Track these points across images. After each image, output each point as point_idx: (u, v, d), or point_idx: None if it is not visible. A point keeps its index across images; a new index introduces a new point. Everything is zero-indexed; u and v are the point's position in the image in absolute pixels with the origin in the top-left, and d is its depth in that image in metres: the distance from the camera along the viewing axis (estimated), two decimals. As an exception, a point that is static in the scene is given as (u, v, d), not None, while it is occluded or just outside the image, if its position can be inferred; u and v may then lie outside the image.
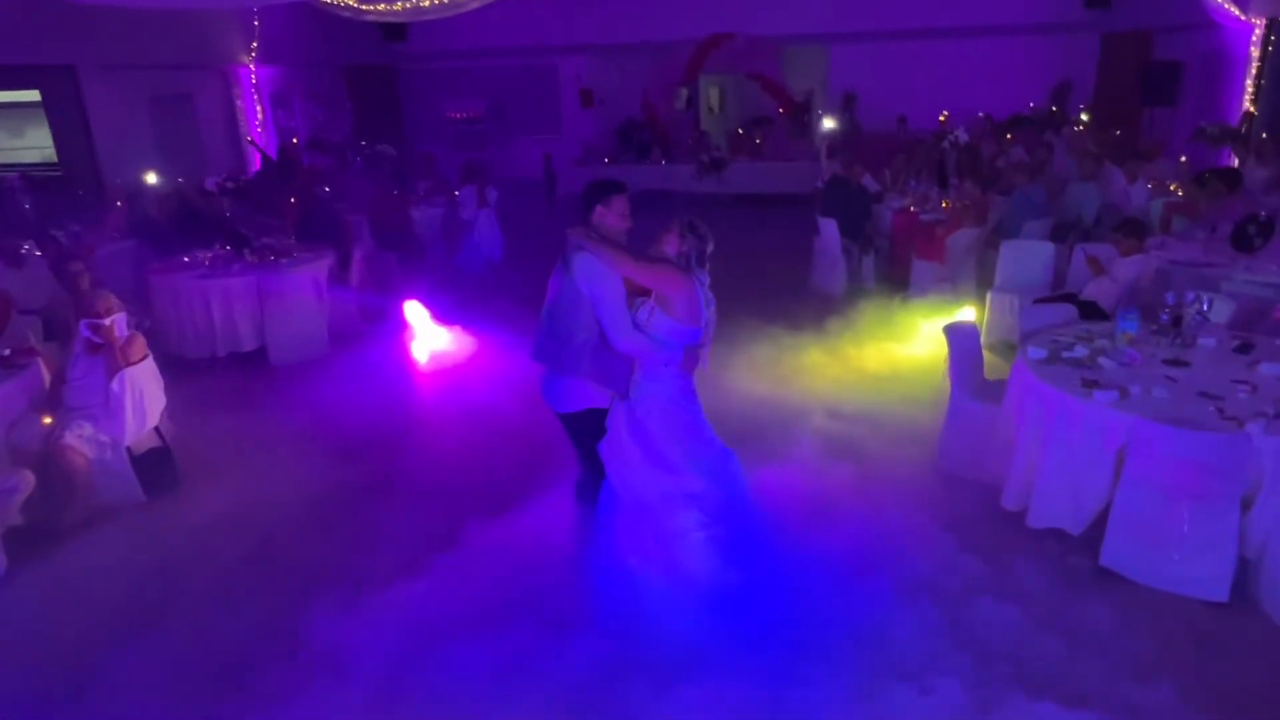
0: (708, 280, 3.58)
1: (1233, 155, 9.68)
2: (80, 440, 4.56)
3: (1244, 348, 4.27)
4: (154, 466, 4.85)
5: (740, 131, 15.18)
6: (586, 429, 3.73)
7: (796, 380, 6.22)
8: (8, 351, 5.07)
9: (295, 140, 13.46)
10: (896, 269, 8.43)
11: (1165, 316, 4.38)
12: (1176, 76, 11.85)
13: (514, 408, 5.80)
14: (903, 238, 8.40)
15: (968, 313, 6.91)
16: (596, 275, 3.49)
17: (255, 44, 12.96)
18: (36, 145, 13.34)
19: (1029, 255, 6.76)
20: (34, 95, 10.79)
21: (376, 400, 6.19)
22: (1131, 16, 13.24)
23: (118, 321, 4.66)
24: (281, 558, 4.25)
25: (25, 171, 9.91)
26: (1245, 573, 3.62)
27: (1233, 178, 7.06)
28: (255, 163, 12.90)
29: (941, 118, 12.83)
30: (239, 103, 13.08)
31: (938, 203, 8.63)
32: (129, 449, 4.74)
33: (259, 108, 13.49)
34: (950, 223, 7.83)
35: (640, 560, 3.59)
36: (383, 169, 11.37)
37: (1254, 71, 10.08)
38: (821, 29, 15.13)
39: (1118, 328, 4.37)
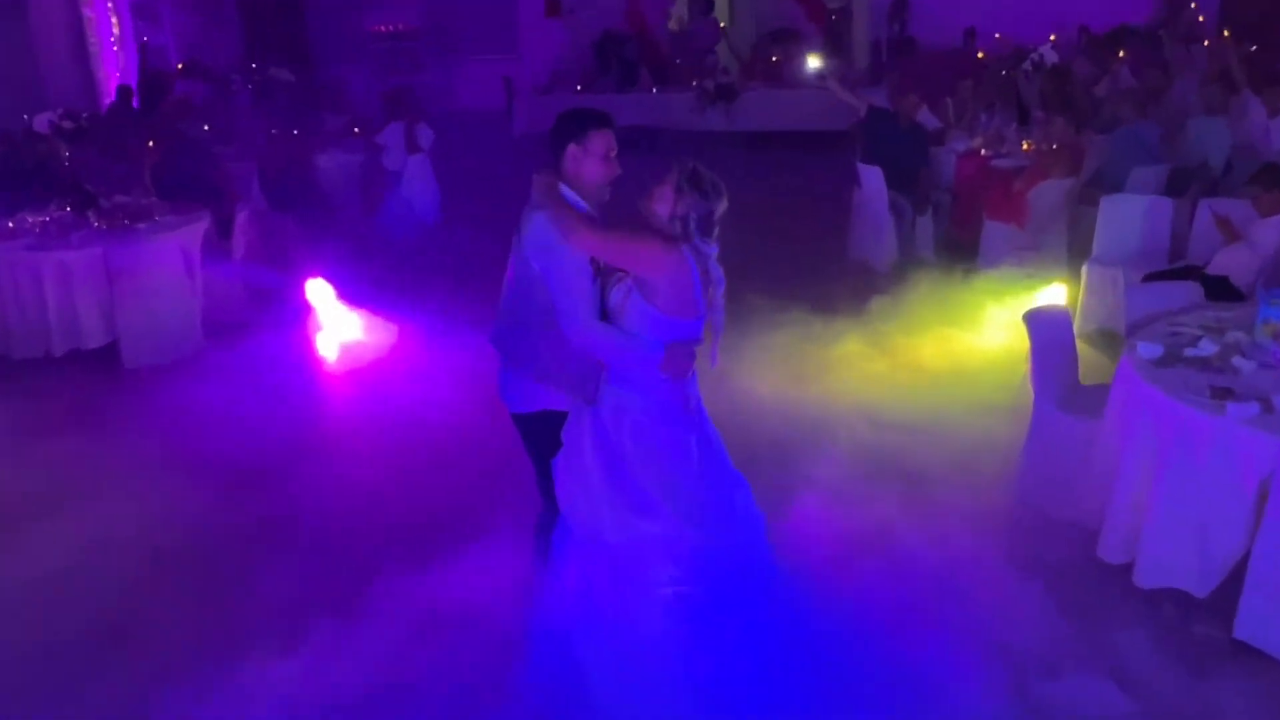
0: (715, 251, 3.49)
1: None
2: None
3: None
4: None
5: (756, 49, 15.20)
6: (543, 438, 3.72)
7: (828, 380, 6.28)
8: None
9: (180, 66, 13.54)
10: (962, 233, 8.45)
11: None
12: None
13: (452, 419, 5.81)
14: (970, 191, 8.41)
15: (1056, 292, 6.91)
16: (548, 245, 3.42)
17: (108, -67, 12.87)
18: None
19: (1137, 215, 6.79)
20: None
21: (266, 412, 6.19)
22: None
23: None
24: (129, 625, 4.24)
25: None
26: None
27: None
28: (110, 92, 12.82)
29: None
30: (87, 12, 13.01)
31: (1016, 144, 8.66)
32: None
33: (114, 19, 13.43)
34: (1033, 171, 7.84)
35: (591, 629, 3.54)
36: (278, 102, 11.46)
37: None
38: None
39: (1258, 315, 4.32)
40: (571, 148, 3.53)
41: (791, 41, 14.95)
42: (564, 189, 3.52)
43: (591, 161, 3.53)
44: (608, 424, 3.51)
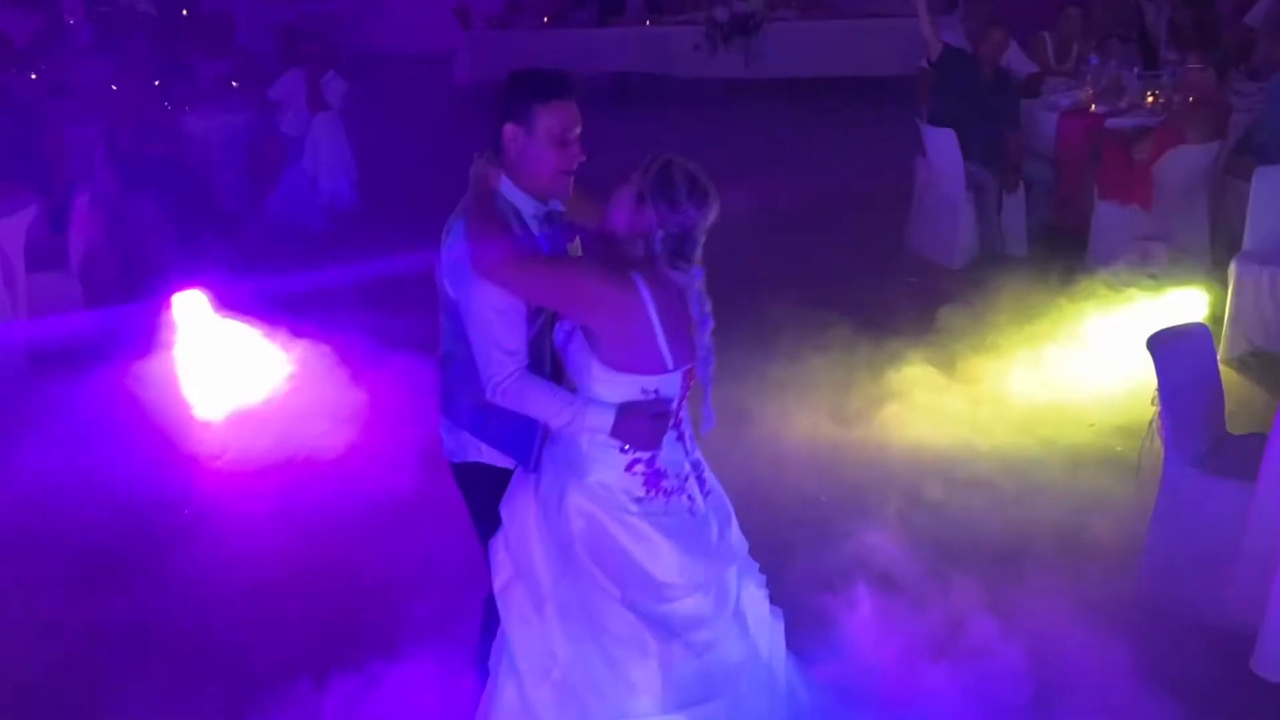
0: (698, 280, 3.51)
1: None
2: None
3: None
4: None
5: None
6: (478, 499, 3.84)
7: (882, 422, 6.40)
8: None
9: None
10: (1065, 218, 8.65)
11: None
12: None
13: (377, 481, 5.89)
14: (1077, 162, 8.58)
15: (1194, 300, 7.07)
16: (460, 267, 3.46)
17: None
18: None
19: None
20: None
21: (117, 475, 6.20)
22: None
23: None
24: None
25: None
26: None
27: None
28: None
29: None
30: None
31: (1140, 96, 8.80)
32: None
33: None
34: (1162, 134, 7.98)
35: None
36: (134, 42, 11.46)
37: None
38: None
39: None
40: (510, 128, 3.52)
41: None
42: (505, 183, 3.54)
43: (537, 147, 3.52)
44: (551, 505, 3.56)
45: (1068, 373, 6.79)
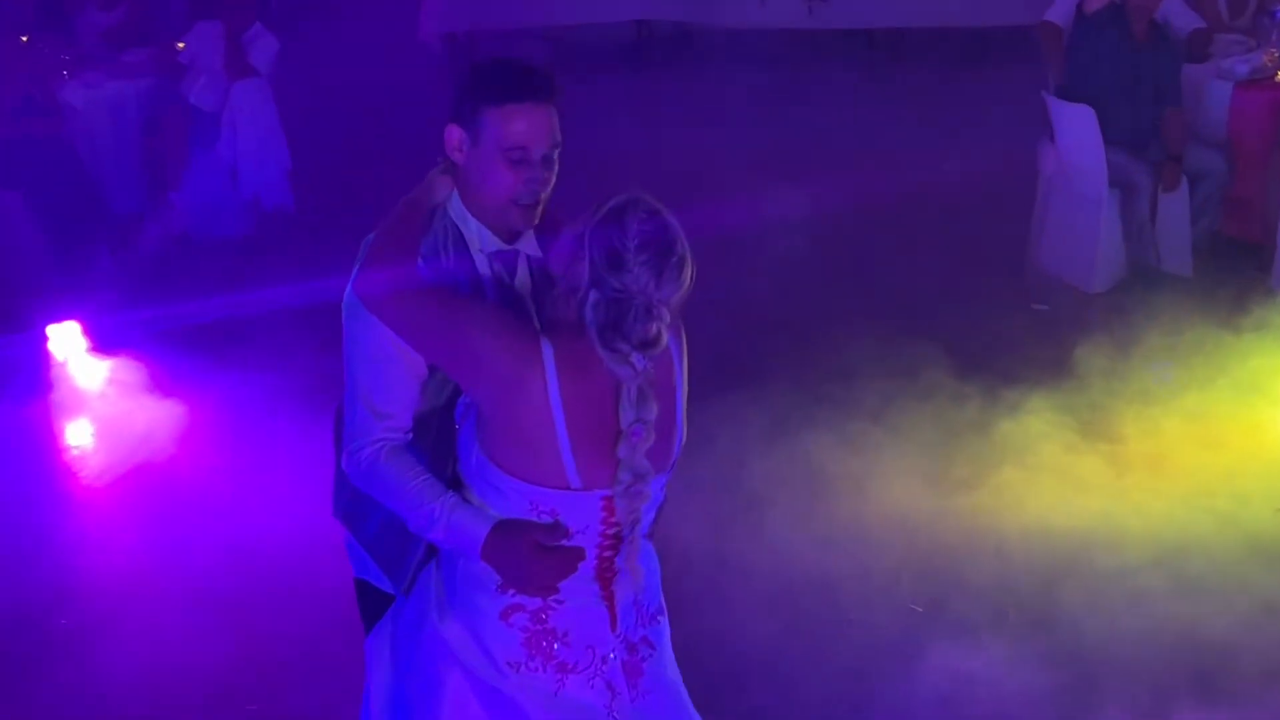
0: (641, 375, 3.36)
1: None
2: None
3: None
4: None
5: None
6: (365, 621, 4.05)
7: (998, 491, 6.59)
8: None
9: None
10: (1243, 221, 8.87)
11: None
12: None
13: (299, 564, 6.17)
14: (1258, 148, 8.82)
15: None
16: (349, 296, 3.57)
17: None
18: None
19: None
20: None
21: None
22: None
23: None
24: None
25: None
26: None
27: None
28: None
29: None
30: None
31: None
32: None
33: None
34: None
35: None
36: None
37: None
38: None
39: None
40: (454, 131, 3.59)
41: None
42: (454, 201, 3.63)
43: (484, 162, 3.55)
44: (403, 649, 3.72)
45: (1246, 431, 6.92)
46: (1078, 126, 8.78)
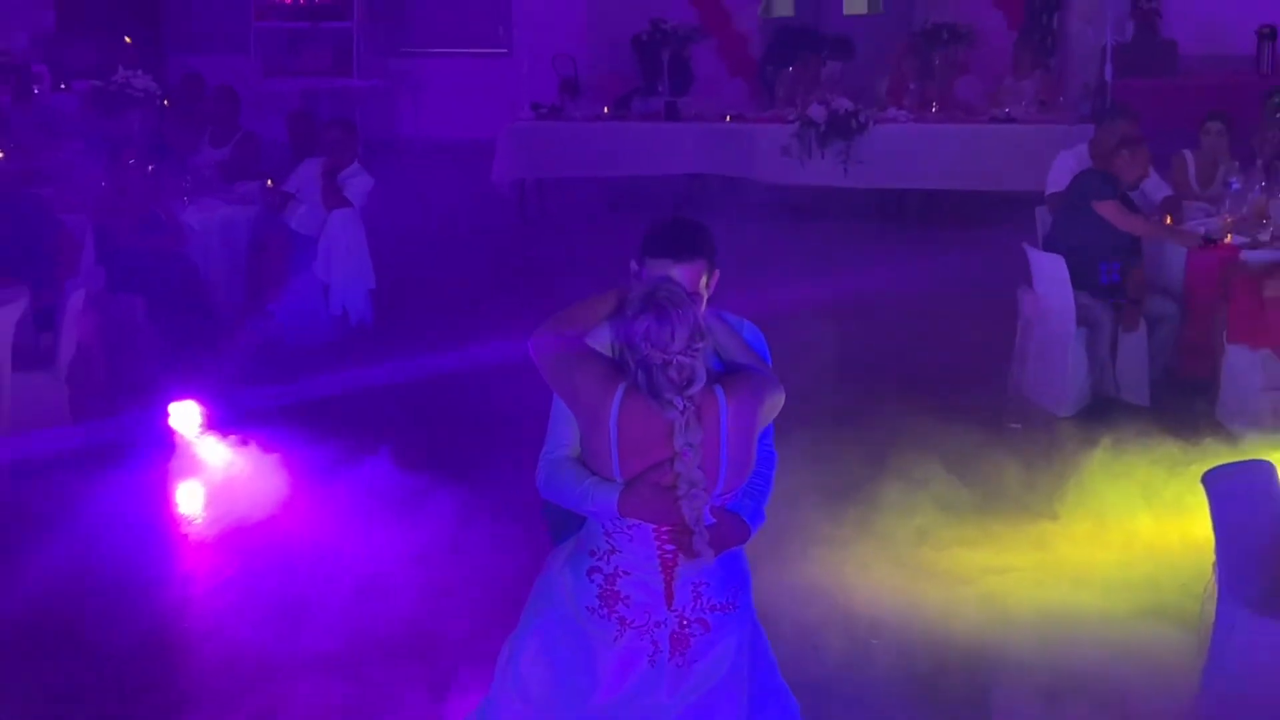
0: (683, 408, 4.24)
1: None
2: None
3: None
4: None
5: (905, 55, 16.75)
6: None
7: (965, 587, 7.32)
8: None
9: None
10: (1194, 362, 9.51)
11: None
12: None
13: (387, 626, 6.86)
14: (1208, 298, 9.47)
15: None
16: None
17: None
18: None
19: None
20: None
21: (102, 595, 7.24)
22: None
23: None
24: None
25: None
26: None
27: None
28: None
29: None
30: None
31: None
32: None
33: None
34: None
35: None
36: (128, 122, 12.72)
37: None
38: None
39: None
40: (633, 264, 4.56)
41: (963, 42, 16.60)
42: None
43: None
44: (540, 590, 4.66)
45: (1174, 537, 7.63)
46: (1051, 274, 9.50)
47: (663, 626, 4.41)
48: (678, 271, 4.37)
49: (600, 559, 4.41)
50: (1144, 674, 6.42)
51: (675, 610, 4.39)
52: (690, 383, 4.17)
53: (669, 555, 4.37)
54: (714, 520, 4.35)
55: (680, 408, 4.17)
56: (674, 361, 4.15)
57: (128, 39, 15.91)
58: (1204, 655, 6.12)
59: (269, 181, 12.21)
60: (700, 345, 4.24)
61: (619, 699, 4.44)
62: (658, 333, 4.14)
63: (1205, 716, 5.97)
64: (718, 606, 4.44)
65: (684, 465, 4.17)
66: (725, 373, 4.51)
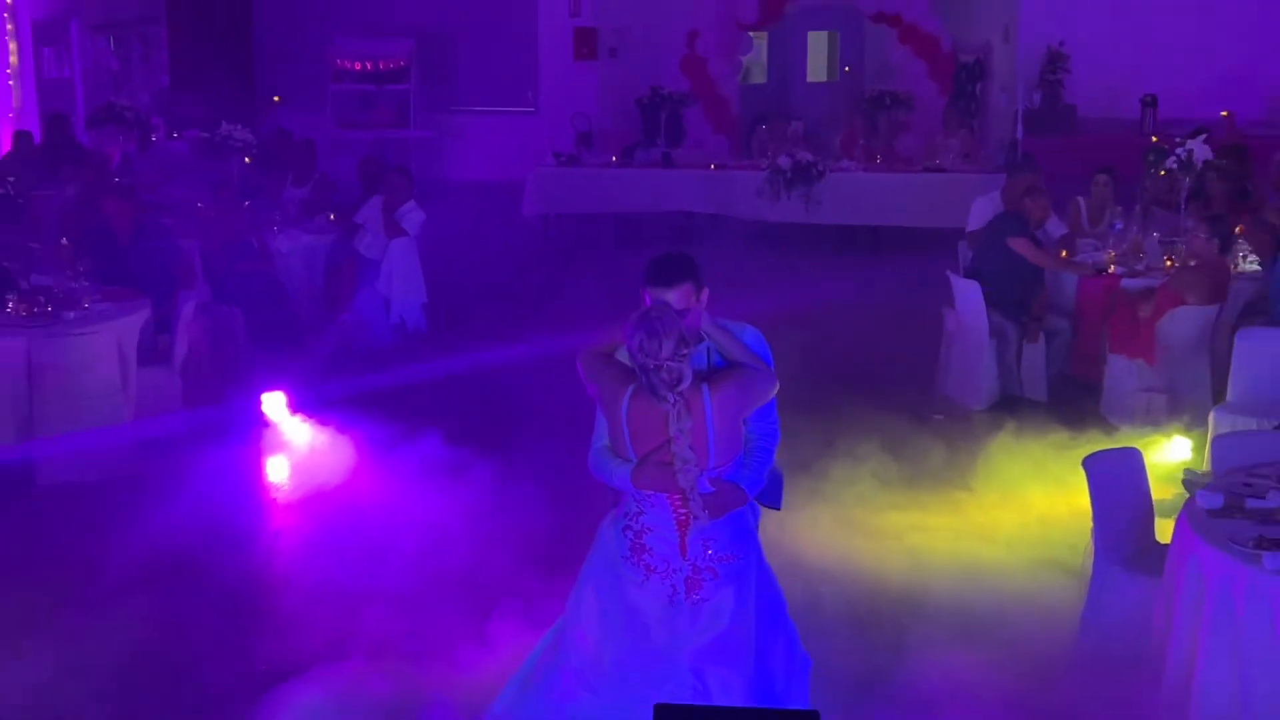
0: (674, 401, 4.61)
1: None
2: None
3: None
4: None
5: (855, 116, 17.00)
6: None
7: (876, 547, 7.73)
8: None
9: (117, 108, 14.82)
10: (1083, 368, 9.95)
11: None
12: None
13: (429, 576, 7.11)
14: (1094, 318, 9.88)
15: (1180, 446, 8.28)
16: None
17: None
18: None
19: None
20: None
21: (206, 546, 7.61)
22: None
23: None
24: None
25: None
26: None
27: None
28: (2, 140, 14.71)
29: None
30: None
31: (1157, 259, 10.17)
32: None
33: (12, 44, 15.27)
34: (1163, 294, 9.24)
35: None
36: (229, 165, 13.07)
37: None
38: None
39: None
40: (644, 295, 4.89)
41: (902, 109, 16.82)
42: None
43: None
44: (594, 543, 5.11)
45: (1061, 504, 8.00)
46: (969, 296, 9.91)
47: (679, 573, 4.82)
48: (671, 295, 4.76)
49: (631, 519, 4.85)
50: (1035, 614, 6.77)
51: (689, 560, 4.80)
52: (679, 381, 4.58)
53: (682, 516, 4.77)
54: (713, 489, 4.77)
55: (672, 401, 4.60)
56: (664, 366, 4.55)
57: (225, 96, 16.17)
58: (1083, 601, 6.53)
59: (331, 216, 12.55)
60: (686, 351, 4.61)
61: (647, 625, 4.86)
62: (649, 345, 4.55)
63: (1083, 650, 6.37)
64: (724, 558, 4.83)
65: (678, 446, 4.61)
66: (718, 369, 4.92)
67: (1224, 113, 14.75)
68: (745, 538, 4.99)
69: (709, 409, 4.69)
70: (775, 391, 4.97)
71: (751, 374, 4.87)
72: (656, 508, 4.81)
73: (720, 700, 4.81)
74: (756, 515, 5.27)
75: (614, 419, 4.77)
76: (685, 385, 4.63)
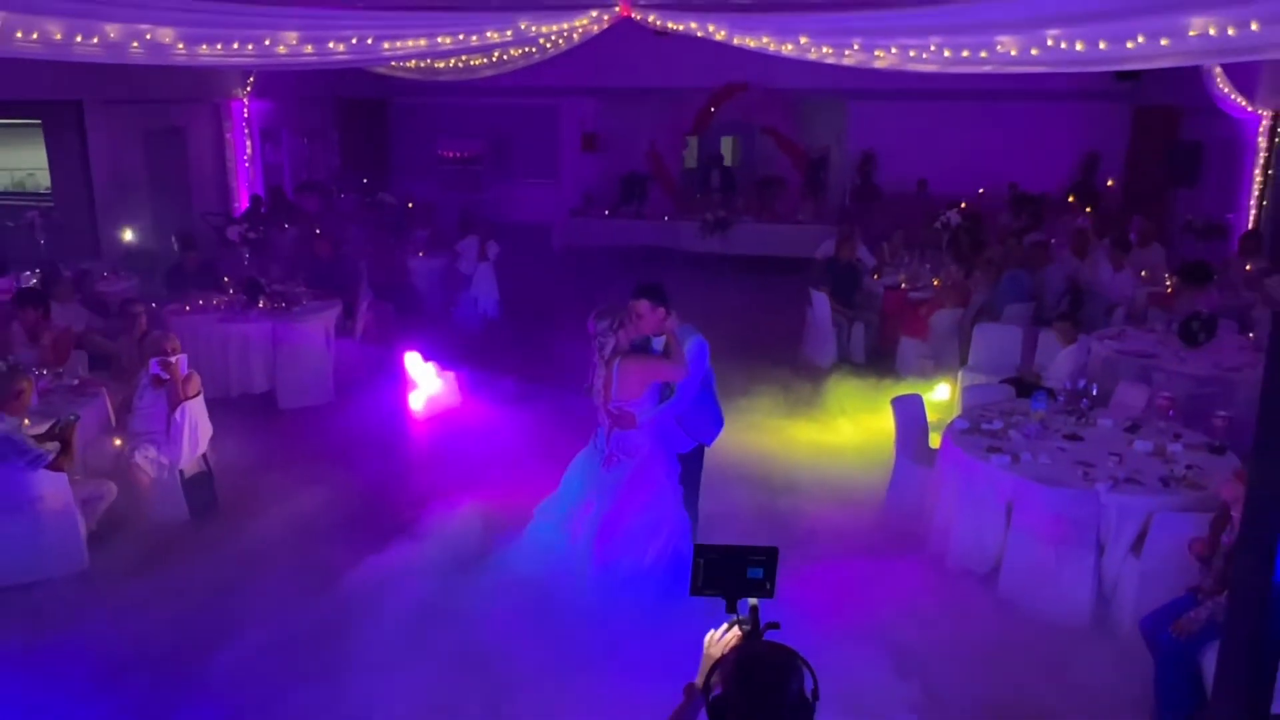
0: (602, 359, 4.98)
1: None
2: (146, 461, 6.42)
3: (1133, 428, 6.13)
4: (197, 488, 6.64)
5: (754, 189, 17.15)
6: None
7: (776, 441, 7.91)
8: (76, 381, 6.97)
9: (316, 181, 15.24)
10: (885, 344, 10.21)
11: (1061, 399, 6.28)
12: (1198, 158, 13.78)
13: (506, 455, 7.46)
14: (892, 314, 10.22)
15: (943, 390, 8.69)
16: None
17: (252, 77, 14.96)
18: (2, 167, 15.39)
19: (999, 338, 8.65)
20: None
21: (376, 443, 7.87)
22: (1160, 92, 14.86)
23: (180, 360, 6.52)
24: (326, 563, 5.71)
25: (41, 209, 11.49)
26: (1102, 603, 5.41)
27: (1199, 272, 8.93)
28: (243, 201, 14.85)
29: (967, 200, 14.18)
30: (229, 136, 14.97)
31: (929, 281, 10.50)
32: (181, 471, 6.53)
33: (248, 141, 15.39)
34: (933, 302, 9.69)
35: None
36: (383, 216, 13.27)
37: (1261, 161, 12.17)
38: (840, 84, 16.84)
39: (1031, 406, 6.26)
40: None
41: (778, 186, 16.96)
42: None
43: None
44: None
45: (864, 426, 8.25)
46: (819, 300, 10.14)
47: (603, 451, 5.07)
48: (640, 304, 4.92)
49: (599, 425, 5.08)
50: (858, 492, 6.94)
51: (612, 444, 5.03)
52: (603, 347, 4.90)
53: (606, 422, 5.04)
54: (616, 412, 4.94)
55: (603, 359, 4.90)
56: (598, 336, 4.90)
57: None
58: (888, 485, 6.79)
59: (420, 253, 12.44)
60: (615, 331, 4.83)
61: (587, 474, 5.11)
62: (596, 324, 4.89)
63: (888, 513, 6.61)
64: (626, 451, 5.02)
65: (595, 383, 4.95)
66: (652, 352, 4.98)
67: (980, 190, 14.92)
68: (639, 447, 5.00)
69: (616, 368, 4.88)
70: (682, 376, 4.96)
71: (658, 362, 4.95)
72: (602, 415, 5.05)
73: (611, 507, 4.97)
74: (672, 462, 5.19)
75: (593, 366, 5.04)
76: (608, 351, 4.87)
